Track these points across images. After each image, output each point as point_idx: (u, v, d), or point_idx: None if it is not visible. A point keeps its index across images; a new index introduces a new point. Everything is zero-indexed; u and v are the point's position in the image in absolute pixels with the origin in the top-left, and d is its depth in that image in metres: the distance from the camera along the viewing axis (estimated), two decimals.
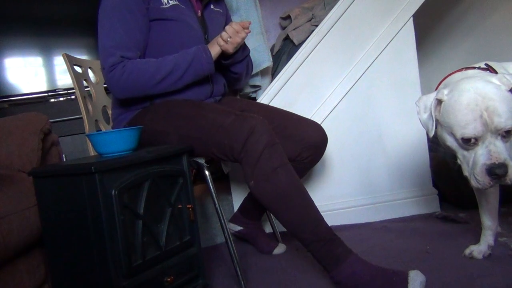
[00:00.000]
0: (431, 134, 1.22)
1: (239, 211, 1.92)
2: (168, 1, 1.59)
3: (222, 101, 1.77)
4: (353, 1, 2.06)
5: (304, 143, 1.65)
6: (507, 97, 1.11)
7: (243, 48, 1.71)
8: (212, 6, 1.75)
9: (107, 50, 1.49)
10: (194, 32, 1.63)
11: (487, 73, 1.25)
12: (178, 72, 1.53)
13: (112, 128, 1.70)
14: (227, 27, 1.56)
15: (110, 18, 1.51)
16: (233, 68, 1.76)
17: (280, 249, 1.82)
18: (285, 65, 2.11)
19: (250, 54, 1.87)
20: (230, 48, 1.58)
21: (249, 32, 1.59)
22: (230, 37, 1.56)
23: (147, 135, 1.51)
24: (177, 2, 1.61)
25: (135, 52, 1.52)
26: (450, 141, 1.20)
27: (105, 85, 1.85)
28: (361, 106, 2.10)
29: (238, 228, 1.89)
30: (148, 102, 1.60)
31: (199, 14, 1.69)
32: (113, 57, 1.48)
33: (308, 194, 1.41)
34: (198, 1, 1.71)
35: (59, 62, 2.86)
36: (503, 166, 1.09)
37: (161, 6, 1.58)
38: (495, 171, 1.09)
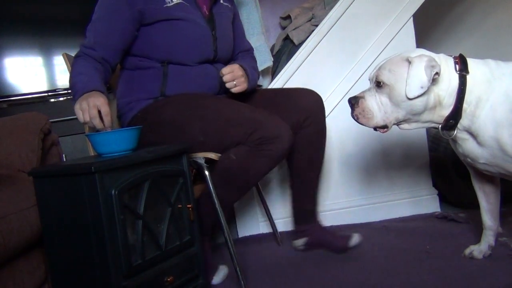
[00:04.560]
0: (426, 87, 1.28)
1: (295, 223, 1.81)
2: (171, 0, 1.57)
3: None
4: (353, 1, 2.06)
5: (296, 109, 1.67)
6: (392, 59, 1.34)
7: (254, 81, 1.71)
8: (221, 1, 1.73)
9: (84, 40, 1.56)
10: (200, 29, 1.61)
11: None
12: (72, 90, 1.51)
13: (120, 118, 1.69)
14: (224, 77, 1.58)
15: (97, 12, 1.57)
16: None
17: (355, 239, 1.65)
18: (285, 65, 2.11)
19: None
20: (244, 86, 1.61)
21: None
22: (234, 80, 1.59)
23: (168, 126, 1.54)
24: (180, 0, 1.59)
25: (99, 52, 1.53)
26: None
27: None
28: None
29: (302, 241, 1.76)
30: (158, 92, 1.61)
31: (205, 10, 1.66)
32: (81, 48, 1.55)
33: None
34: None
35: (59, 62, 2.85)
36: (354, 98, 1.38)
37: (165, 5, 1.56)
38: (349, 99, 1.40)
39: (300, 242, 1.77)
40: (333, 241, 1.69)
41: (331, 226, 2.02)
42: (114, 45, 1.55)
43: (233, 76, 1.58)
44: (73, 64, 1.54)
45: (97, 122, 1.35)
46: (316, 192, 1.77)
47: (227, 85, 1.59)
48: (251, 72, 1.69)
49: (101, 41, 1.53)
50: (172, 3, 1.57)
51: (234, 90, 1.60)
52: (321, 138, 1.73)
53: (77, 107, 1.38)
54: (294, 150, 1.72)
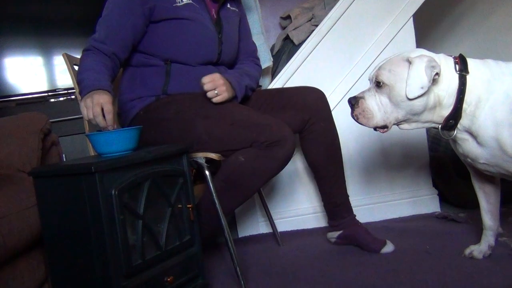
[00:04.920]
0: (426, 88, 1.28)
1: (329, 219, 1.82)
2: (181, 0, 1.59)
3: None
4: (353, 1, 2.06)
5: (300, 108, 1.68)
6: (392, 60, 1.34)
7: (244, 89, 1.65)
8: (228, 5, 1.75)
9: (94, 34, 1.57)
10: (208, 31, 1.62)
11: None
12: (79, 86, 1.51)
13: (121, 116, 1.69)
14: (205, 86, 1.53)
15: (108, 7, 1.59)
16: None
17: (388, 247, 1.67)
18: (285, 65, 2.11)
19: None
20: (225, 96, 1.55)
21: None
22: (214, 89, 1.53)
23: (172, 124, 1.54)
24: (190, 1, 1.61)
25: (109, 47, 1.54)
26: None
27: None
28: None
29: (336, 234, 1.78)
30: (160, 90, 1.61)
31: (213, 13, 1.68)
32: (91, 42, 1.55)
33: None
34: (211, 1, 1.69)
35: (59, 62, 2.85)
36: (354, 98, 1.38)
37: (174, 4, 1.58)
38: (349, 99, 1.40)
39: (334, 235, 1.79)
40: (366, 241, 1.70)
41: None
42: (125, 40, 1.57)
43: (214, 85, 1.53)
44: (82, 58, 1.54)
45: (99, 120, 1.36)
46: (342, 185, 1.77)
47: (208, 94, 1.53)
48: (239, 79, 1.64)
49: (113, 36, 1.54)
50: (182, 3, 1.59)
51: (215, 99, 1.54)
52: (331, 133, 1.74)
53: (82, 104, 1.40)
54: (308, 149, 1.75)
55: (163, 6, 1.57)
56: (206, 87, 1.54)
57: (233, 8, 1.77)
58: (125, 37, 1.56)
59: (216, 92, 1.54)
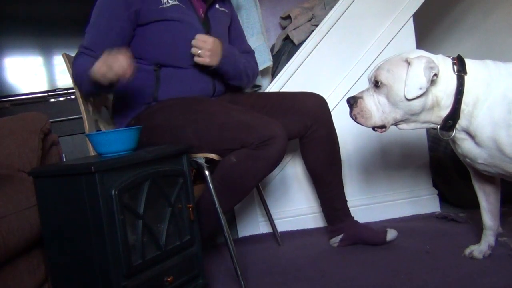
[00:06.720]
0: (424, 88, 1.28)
1: (328, 224, 1.85)
2: (167, 1, 1.59)
3: (221, 97, 1.77)
4: (353, 1, 2.06)
5: (302, 114, 1.69)
6: (391, 60, 1.34)
7: (233, 65, 1.66)
8: (217, 6, 1.75)
9: (83, 40, 1.59)
10: (195, 31, 1.61)
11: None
12: (77, 80, 1.55)
13: (115, 123, 1.70)
14: (193, 41, 1.55)
15: (95, 14, 1.59)
16: (231, 82, 1.74)
17: (391, 233, 1.72)
18: (285, 65, 2.11)
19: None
20: (206, 61, 1.56)
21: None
22: (199, 48, 1.55)
23: (161, 132, 1.54)
24: (177, 2, 1.61)
25: (97, 53, 1.52)
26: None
27: None
28: None
29: (339, 238, 1.79)
30: (151, 98, 1.61)
31: (201, 13, 1.68)
32: (80, 49, 1.57)
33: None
34: (200, 1, 1.70)
35: (59, 62, 2.85)
36: (353, 98, 1.39)
37: (161, 6, 1.57)
38: (348, 99, 1.41)
39: (336, 239, 1.79)
40: (369, 236, 1.74)
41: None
42: (114, 45, 1.54)
43: (201, 46, 1.55)
44: (75, 63, 1.55)
45: (118, 65, 1.34)
46: (341, 190, 1.79)
47: (192, 50, 1.56)
48: (233, 54, 1.65)
49: (100, 41, 1.54)
50: (168, 4, 1.59)
51: (195, 59, 1.57)
52: (332, 140, 1.75)
53: (92, 67, 1.38)
54: (308, 156, 1.76)
55: (149, 8, 1.57)
56: (193, 42, 1.55)
57: (222, 9, 1.77)
58: (113, 42, 1.55)
59: (199, 52, 1.55)
